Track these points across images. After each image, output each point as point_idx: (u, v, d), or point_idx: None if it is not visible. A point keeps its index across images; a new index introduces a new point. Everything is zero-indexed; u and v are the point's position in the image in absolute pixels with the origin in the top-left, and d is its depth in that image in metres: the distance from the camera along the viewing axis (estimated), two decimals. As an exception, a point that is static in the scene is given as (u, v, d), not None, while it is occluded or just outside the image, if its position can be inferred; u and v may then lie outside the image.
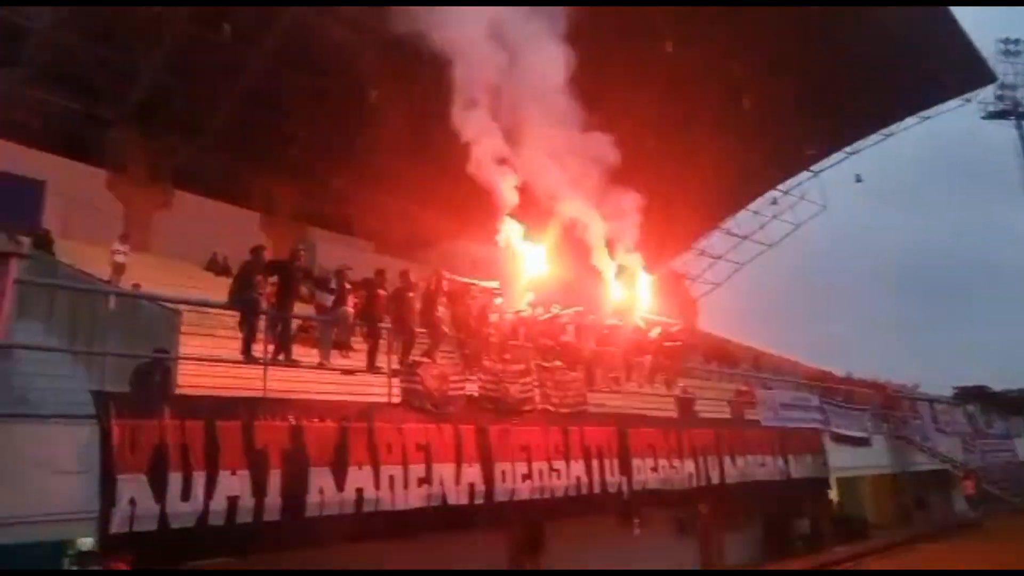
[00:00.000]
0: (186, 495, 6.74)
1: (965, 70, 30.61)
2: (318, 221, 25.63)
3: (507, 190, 10.32)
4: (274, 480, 7.46)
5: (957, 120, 35.19)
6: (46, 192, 19.55)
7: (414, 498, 8.66)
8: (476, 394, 9.72)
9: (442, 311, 9.83)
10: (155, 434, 6.64)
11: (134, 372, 6.94)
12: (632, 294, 12.88)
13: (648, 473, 11.90)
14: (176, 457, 6.73)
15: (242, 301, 7.83)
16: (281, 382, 8.31)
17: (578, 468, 10.71)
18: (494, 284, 10.63)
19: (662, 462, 12.21)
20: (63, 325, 8.70)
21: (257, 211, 24.62)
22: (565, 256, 11.80)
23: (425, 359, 9.41)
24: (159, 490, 6.54)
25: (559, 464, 10.46)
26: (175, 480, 6.69)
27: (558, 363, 10.86)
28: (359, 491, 8.17)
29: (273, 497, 7.42)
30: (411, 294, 9.37)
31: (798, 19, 24.59)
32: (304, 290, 9.40)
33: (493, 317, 10.35)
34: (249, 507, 7.21)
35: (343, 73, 22.01)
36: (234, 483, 7.14)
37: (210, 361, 7.90)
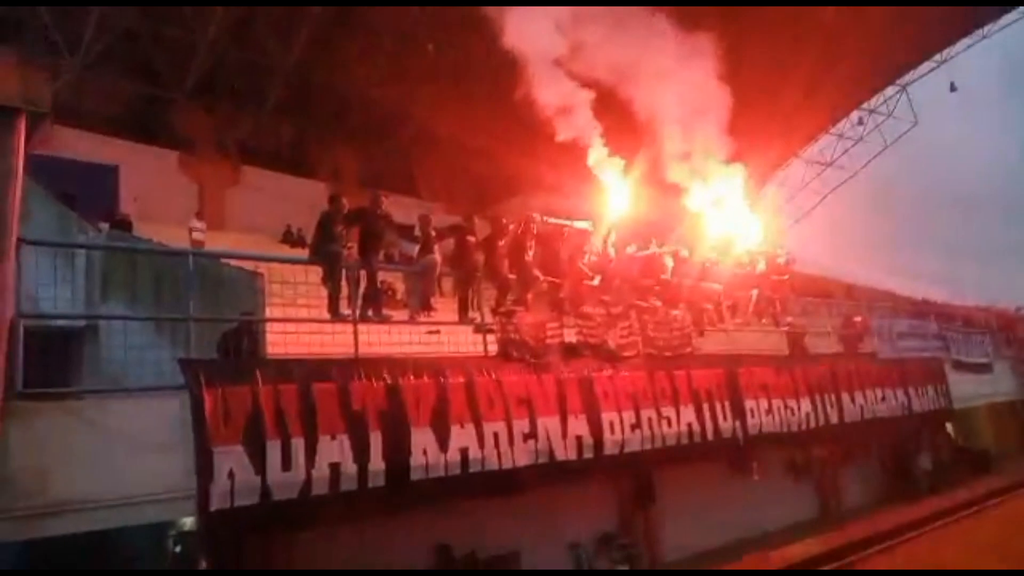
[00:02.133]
0: (286, 464, 6.32)
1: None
2: (385, 184, 25.14)
3: (586, 114, 9.37)
4: (375, 443, 6.98)
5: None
6: (120, 177, 19.76)
7: (520, 455, 8.10)
8: (575, 341, 9.02)
9: (532, 255, 9.11)
10: (249, 401, 6.21)
11: (221, 337, 6.54)
12: (734, 224, 11.82)
13: (763, 416, 11.04)
14: (273, 425, 6.30)
15: (325, 255, 7.31)
16: (369, 341, 7.81)
17: (688, 414, 9.96)
18: (586, 224, 9.84)
19: (776, 403, 11.32)
20: (148, 301, 8.43)
21: (324, 180, 24.41)
22: (657, 188, 10.82)
23: (518, 307, 8.74)
24: (258, 461, 6.12)
25: (668, 411, 9.72)
26: (273, 449, 6.26)
27: (658, 303, 10.04)
28: (463, 451, 7.64)
29: (376, 461, 6.95)
30: (501, 241, 8.70)
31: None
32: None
33: (588, 259, 9.57)
34: (352, 473, 6.77)
35: (397, 28, 21.26)
36: (335, 448, 6.70)
37: (298, 321, 7.44)
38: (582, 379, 8.87)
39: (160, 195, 19.79)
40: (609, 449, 8.93)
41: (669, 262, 10.81)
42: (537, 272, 9.07)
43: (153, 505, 5.75)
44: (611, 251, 10.20)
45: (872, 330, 14.37)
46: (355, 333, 7.30)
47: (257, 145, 23.24)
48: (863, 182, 38.02)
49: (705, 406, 10.20)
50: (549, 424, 8.41)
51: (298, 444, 6.45)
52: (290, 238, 20.09)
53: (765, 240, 12.55)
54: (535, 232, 9.20)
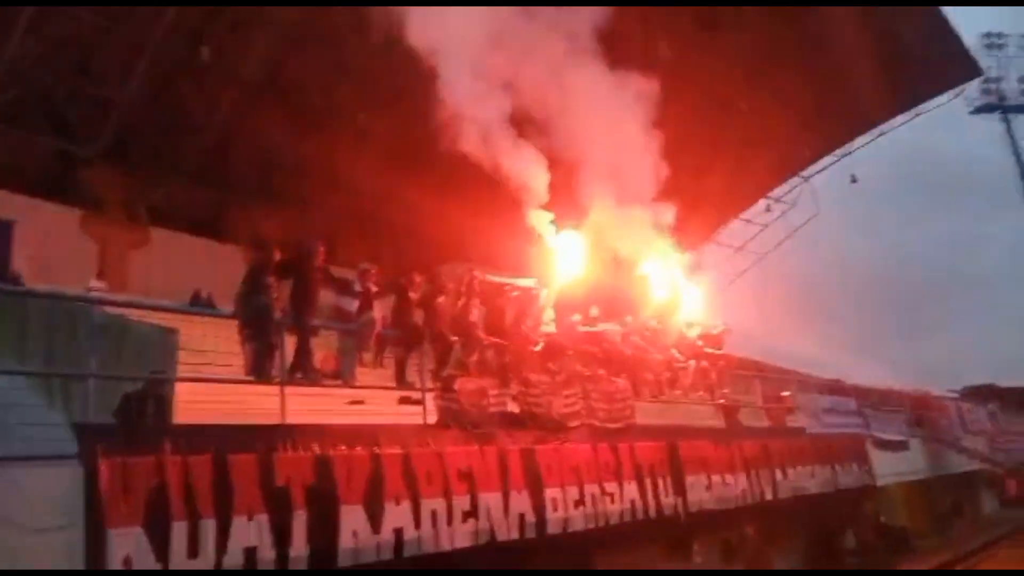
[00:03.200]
0: (193, 550, 5.40)
1: (953, 64, 30.37)
2: (306, 252, 24.35)
3: (533, 175, 9.15)
4: (299, 524, 6.14)
5: (944, 118, 35.05)
6: (14, 233, 18.18)
7: (460, 536, 7.38)
8: (518, 410, 8.48)
9: (476, 315, 8.62)
10: (153, 475, 5.32)
11: (123, 399, 5.64)
12: (675, 295, 11.74)
13: (702, 492, 10.69)
14: (180, 502, 5.41)
15: (254, 308, 6.56)
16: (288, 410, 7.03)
17: (631, 490, 9.48)
18: (531, 282, 9.45)
19: (715, 478, 11.03)
20: (37, 358, 7.37)
21: (241, 245, 23.27)
22: (598, 255, 10.64)
23: (459, 372, 8.16)
24: (161, 546, 5.19)
25: (611, 486, 9.21)
26: (180, 532, 5.34)
27: (602, 372, 9.67)
28: (398, 532, 6.87)
29: (299, 546, 6.09)
30: (442, 298, 8.18)
31: (788, 21, 24.03)
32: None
33: (533, 322, 9.15)
34: (270, 559, 5.89)
35: (327, 95, 20.95)
36: (251, 530, 5.82)
37: (217, 382, 6.60)
38: (525, 451, 8.28)
39: (58, 254, 18.25)
40: (552, 528, 8.31)
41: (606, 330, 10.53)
42: (481, 334, 8.55)
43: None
44: (549, 314, 9.81)
45: (800, 405, 14.45)
46: (282, 396, 6.52)
47: (171, 207, 22.01)
48: (774, 265, 39.68)
49: (647, 481, 9.76)
50: (491, 501, 7.74)
51: (208, 526, 5.56)
52: (199, 303, 18.80)
53: (700, 311, 12.52)
54: (478, 290, 8.73)
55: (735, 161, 29.41)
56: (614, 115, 11.30)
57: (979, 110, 34.52)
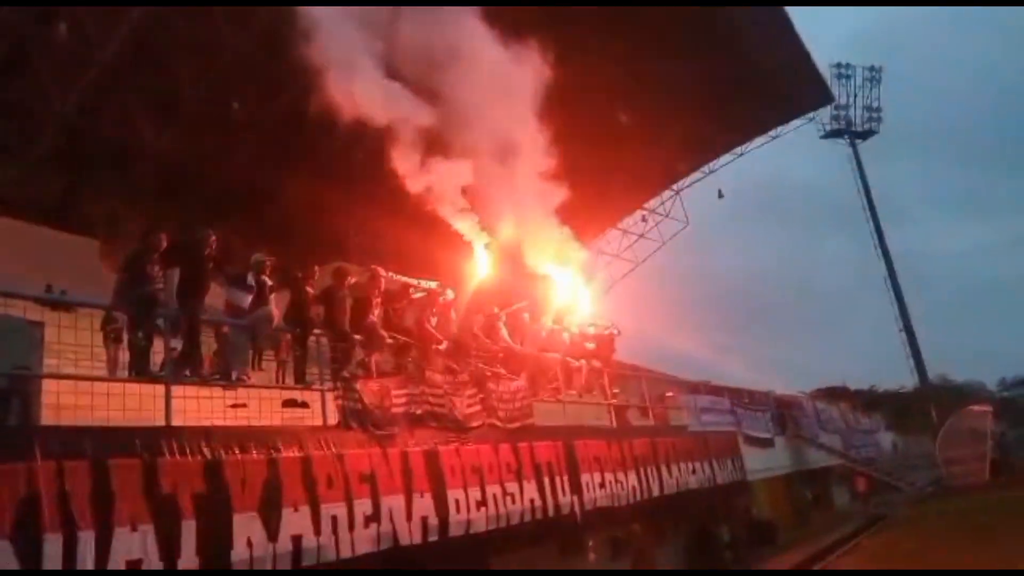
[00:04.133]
0: (70, 564, 4.80)
1: (808, 91, 32.99)
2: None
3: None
4: (188, 534, 5.62)
5: (799, 141, 38.14)
6: None
7: (361, 542, 7.04)
8: (421, 411, 8.22)
9: (378, 313, 8.27)
10: (22, 483, 4.68)
11: (-18, 399, 4.93)
12: (572, 298, 11.87)
13: (597, 490, 10.84)
14: (54, 513, 4.79)
15: (136, 299, 5.92)
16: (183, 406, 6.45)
17: (531, 489, 9.45)
18: (435, 284, 9.20)
19: (608, 476, 11.21)
20: None
21: (96, 238, 21.33)
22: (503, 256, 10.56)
23: (361, 371, 7.81)
24: (31, 561, 4.57)
25: (512, 487, 9.13)
26: (54, 546, 4.73)
27: (501, 370, 9.59)
28: (296, 539, 6.45)
29: (188, 557, 5.58)
30: (344, 293, 7.78)
31: (660, 40, 25.01)
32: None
33: (436, 321, 8.91)
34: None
35: (199, 74, 19.60)
36: (135, 542, 5.26)
37: (92, 380, 5.92)
38: (428, 453, 8.05)
39: None
40: (454, 531, 8.12)
41: (503, 329, 10.47)
42: (383, 332, 8.22)
43: None
44: (453, 315, 9.63)
45: (681, 404, 15.03)
46: (167, 396, 5.94)
47: (17, 196, 19.87)
48: (645, 275, 41.38)
49: (546, 480, 9.77)
50: (393, 504, 7.45)
51: (87, 539, 4.96)
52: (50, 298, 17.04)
53: (594, 313, 12.73)
54: (381, 287, 8.39)
55: (614, 172, 30.37)
56: (508, 112, 11.29)
57: (829, 135, 37.62)
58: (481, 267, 9.71)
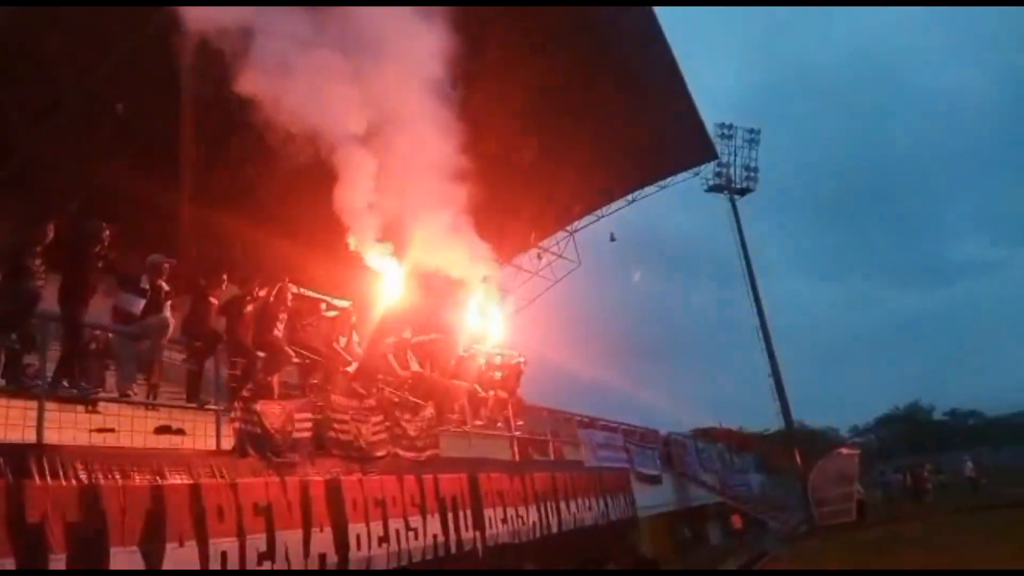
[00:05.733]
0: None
1: (696, 148, 34.83)
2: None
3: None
4: (57, 568, 4.83)
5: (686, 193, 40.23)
6: None
7: (253, 581, 6.36)
8: (324, 436, 7.62)
9: (283, 328, 7.64)
10: None
11: None
12: (484, 324, 11.56)
13: (499, 525, 10.49)
14: None
15: (13, 295, 5.07)
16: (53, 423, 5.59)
17: (435, 524, 8.98)
18: (347, 304, 8.63)
19: (511, 511, 10.90)
20: None
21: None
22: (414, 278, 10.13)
23: (261, 390, 7.15)
24: None
25: (416, 521, 8.64)
26: None
27: (409, 397, 9.12)
28: (180, 578, 5.72)
29: (52, 599, 4.78)
30: (250, 307, 7.12)
31: (565, 81, 25.62)
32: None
33: (345, 342, 8.34)
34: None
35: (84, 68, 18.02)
36: (-10, 582, 4.45)
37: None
38: (330, 483, 7.45)
39: None
40: (354, 566, 7.53)
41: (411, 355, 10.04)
42: (288, 349, 7.59)
43: None
44: (355, 336, 9.09)
45: (579, 440, 14.99)
46: (40, 408, 5.13)
47: None
48: (535, 313, 41.77)
49: (450, 515, 9.33)
50: (290, 540, 6.80)
51: (-72, 577, 4.13)
52: None
53: (501, 342, 12.50)
54: (288, 302, 7.77)
55: (511, 209, 30.58)
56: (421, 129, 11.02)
57: (712, 189, 39.75)
58: (390, 289, 9.25)
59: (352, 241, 8.67)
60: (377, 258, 9.20)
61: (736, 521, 23.46)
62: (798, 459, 32.95)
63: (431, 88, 11.04)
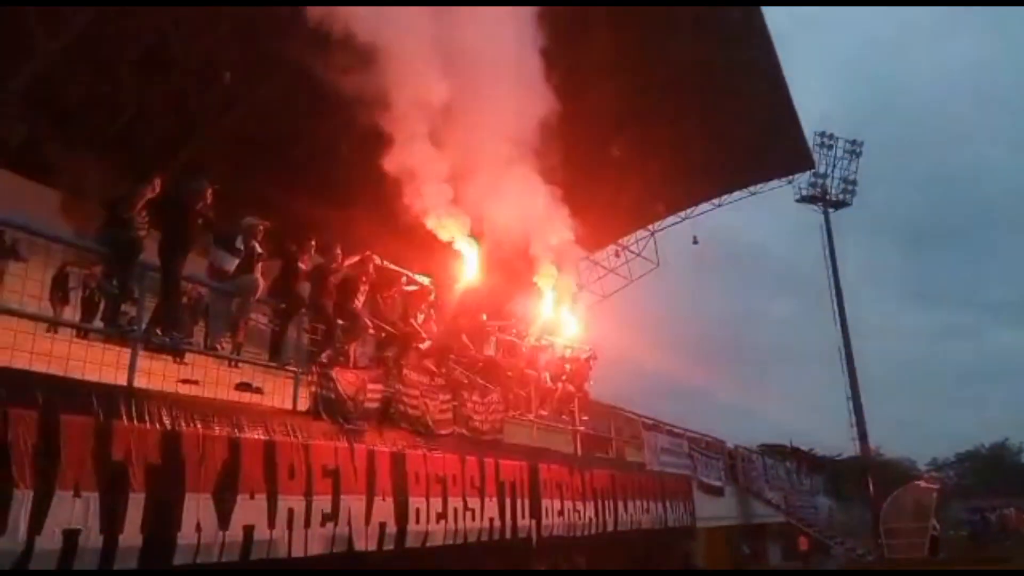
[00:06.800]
0: (1, 524, 4.25)
1: (792, 155, 33.60)
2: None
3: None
4: (135, 509, 5.09)
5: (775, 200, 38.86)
6: None
7: (315, 542, 6.53)
8: (394, 409, 7.76)
9: (363, 300, 7.81)
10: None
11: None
12: (558, 316, 11.53)
13: (555, 517, 10.46)
14: (-10, 465, 4.24)
15: (114, 241, 5.35)
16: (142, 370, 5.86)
17: (492, 508, 9.03)
18: (427, 280, 8.76)
19: (567, 504, 10.85)
20: None
21: (59, 189, 20.21)
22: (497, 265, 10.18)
23: (339, 358, 7.33)
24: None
25: (474, 502, 8.71)
26: (-15, 503, 4.19)
27: (479, 380, 9.18)
28: (247, 530, 5.93)
29: (131, 534, 5.04)
30: (335, 275, 7.31)
31: (664, 83, 25.11)
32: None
33: (423, 318, 8.47)
34: (95, 547, 4.80)
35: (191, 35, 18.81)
36: (77, 510, 4.73)
37: (54, 322, 5.33)
38: (395, 455, 7.59)
39: None
40: (411, 541, 7.65)
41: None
42: (367, 320, 7.76)
43: None
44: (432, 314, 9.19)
45: (643, 441, 14.77)
46: (133, 354, 5.40)
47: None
48: (611, 309, 41.35)
49: (508, 501, 9.36)
50: (353, 505, 6.96)
51: (23, 498, 4.41)
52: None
53: (575, 335, 12.42)
54: (371, 274, 7.93)
55: (594, 203, 30.29)
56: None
57: (804, 199, 38.30)
58: (470, 270, 9.31)
59: (433, 222, 8.75)
60: (461, 240, 9.27)
61: (803, 542, 22.68)
62: (871, 487, 31.65)
63: (531, 77, 11.06)
